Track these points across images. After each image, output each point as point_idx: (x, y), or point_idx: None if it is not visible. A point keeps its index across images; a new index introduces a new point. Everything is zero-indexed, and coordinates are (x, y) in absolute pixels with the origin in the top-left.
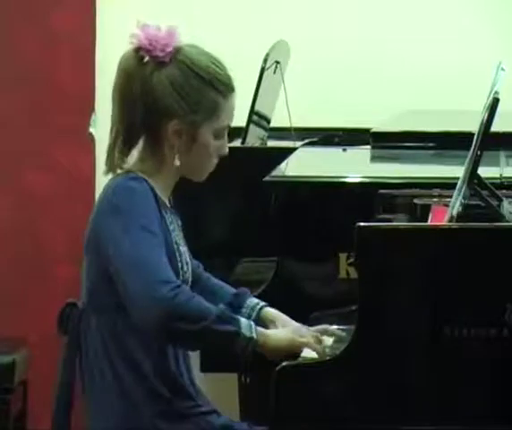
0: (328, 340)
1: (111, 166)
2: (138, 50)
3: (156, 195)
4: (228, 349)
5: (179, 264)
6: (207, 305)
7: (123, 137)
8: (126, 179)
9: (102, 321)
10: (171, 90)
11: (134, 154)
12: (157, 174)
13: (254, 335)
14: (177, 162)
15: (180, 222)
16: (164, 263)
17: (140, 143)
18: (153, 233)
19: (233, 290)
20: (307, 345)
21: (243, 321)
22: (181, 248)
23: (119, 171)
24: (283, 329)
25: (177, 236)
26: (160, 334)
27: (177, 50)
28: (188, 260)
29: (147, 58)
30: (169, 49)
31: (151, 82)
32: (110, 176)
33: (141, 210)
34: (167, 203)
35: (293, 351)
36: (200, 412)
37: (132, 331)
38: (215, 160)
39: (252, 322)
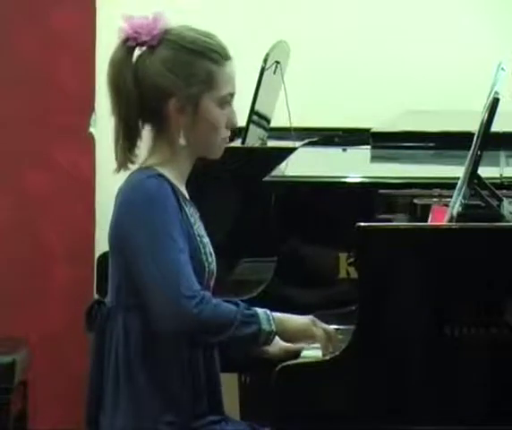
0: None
1: (121, 163)
2: (125, 42)
3: (175, 191)
4: (251, 348)
5: (203, 257)
6: (229, 310)
7: (124, 131)
8: (144, 178)
9: (129, 319)
10: (163, 71)
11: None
12: (171, 161)
13: (274, 328)
14: (182, 141)
15: (198, 213)
16: (187, 274)
17: (150, 135)
18: (176, 241)
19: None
20: (318, 337)
21: (261, 315)
22: (204, 239)
23: (131, 166)
24: (299, 317)
25: (199, 228)
26: (186, 345)
27: (165, 32)
28: (211, 250)
29: (136, 48)
30: (155, 32)
31: (143, 69)
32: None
33: (163, 218)
34: (186, 194)
35: (305, 338)
36: (209, 421)
37: (157, 333)
38: (225, 132)
39: (269, 312)
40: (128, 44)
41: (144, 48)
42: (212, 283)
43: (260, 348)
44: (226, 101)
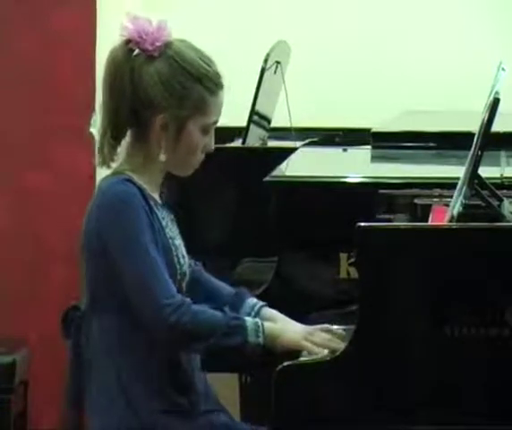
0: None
1: (104, 159)
2: (127, 42)
3: (144, 195)
4: (236, 359)
5: (175, 259)
6: (212, 319)
7: (112, 129)
8: (113, 182)
9: (105, 322)
10: (159, 85)
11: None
12: (144, 170)
13: (261, 340)
14: (163, 157)
15: (173, 216)
16: (163, 280)
17: (128, 139)
18: (147, 245)
19: (232, 290)
20: (310, 350)
21: (250, 325)
22: (176, 242)
23: (112, 164)
24: (294, 326)
25: (171, 230)
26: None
27: (167, 45)
28: (184, 253)
29: (136, 51)
30: (159, 44)
31: (140, 75)
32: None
33: (133, 221)
34: (158, 199)
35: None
36: (202, 411)
37: (136, 330)
38: (200, 156)
39: (260, 323)
40: (130, 45)
41: (143, 53)
42: (184, 285)
43: (248, 358)
44: (209, 128)
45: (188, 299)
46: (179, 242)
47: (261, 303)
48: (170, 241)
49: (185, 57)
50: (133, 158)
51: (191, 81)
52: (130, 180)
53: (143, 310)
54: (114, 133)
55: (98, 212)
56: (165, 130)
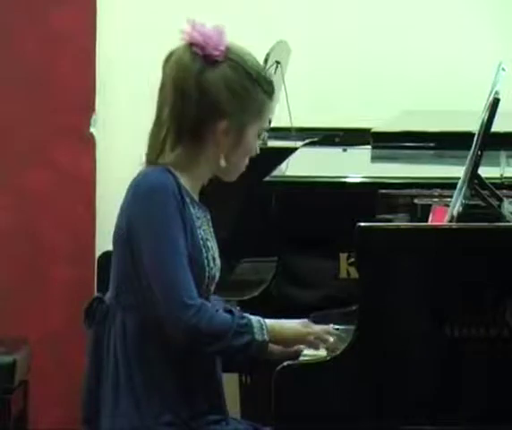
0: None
1: (153, 159)
2: (191, 46)
3: (181, 189)
4: (244, 358)
5: (205, 261)
6: (225, 320)
7: (175, 132)
8: (150, 172)
9: (128, 318)
10: (224, 90)
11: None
12: (191, 169)
13: (266, 337)
14: (223, 163)
15: (209, 217)
16: (187, 281)
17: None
18: (175, 240)
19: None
20: (310, 340)
21: (255, 324)
22: (208, 243)
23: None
24: (291, 322)
25: (205, 230)
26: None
27: (228, 49)
28: (216, 256)
29: (200, 55)
30: (222, 48)
31: (205, 80)
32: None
33: (163, 213)
34: (196, 198)
35: (298, 342)
36: (208, 421)
37: (155, 331)
38: (247, 161)
39: (262, 321)
40: (194, 49)
41: (207, 58)
42: (213, 288)
43: (254, 356)
44: (260, 134)
45: (206, 303)
46: (212, 244)
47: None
48: (201, 242)
49: (247, 62)
50: (182, 158)
51: (254, 85)
52: (169, 171)
53: (164, 305)
54: (177, 135)
55: (131, 200)
56: (226, 135)
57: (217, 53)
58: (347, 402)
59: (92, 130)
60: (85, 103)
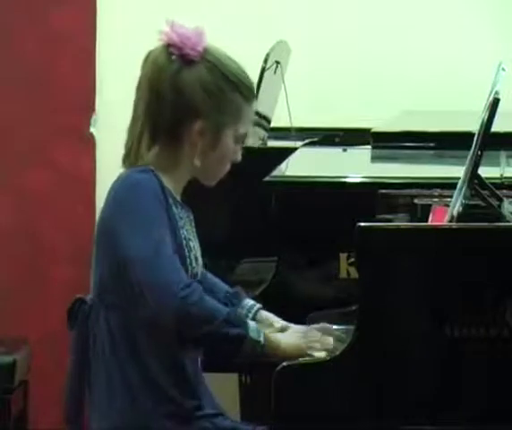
0: (329, 339)
1: (131, 161)
2: (168, 47)
3: (163, 189)
4: (235, 352)
5: (187, 260)
6: (216, 306)
7: (150, 131)
8: (133, 172)
9: (111, 317)
10: (200, 90)
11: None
12: (171, 170)
13: (262, 339)
14: (198, 162)
15: (192, 217)
16: (174, 260)
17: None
18: (159, 231)
19: (226, 287)
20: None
21: (251, 324)
22: (190, 243)
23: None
24: (291, 333)
25: (187, 230)
26: (173, 333)
27: (205, 50)
28: (198, 256)
29: (176, 55)
30: (199, 49)
31: (181, 80)
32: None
33: (146, 207)
34: (178, 198)
35: (299, 357)
36: (206, 414)
37: (141, 329)
38: (228, 167)
39: (260, 329)
40: (171, 50)
41: (183, 58)
42: None
43: (247, 355)
44: (240, 139)
45: (196, 282)
46: (194, 244)
47: (258, 305)
48: (184, 241)
49: (224, 64)
50: (161, 158)
51: (230, 87)
52: (152, 171)
53: (152, 288)
54: (152, 136)
55: (112, 200)
56: (202, 135)
57: (193, 53)
58: (347, 402)
59: (92, 130)
60: (85, 103)
